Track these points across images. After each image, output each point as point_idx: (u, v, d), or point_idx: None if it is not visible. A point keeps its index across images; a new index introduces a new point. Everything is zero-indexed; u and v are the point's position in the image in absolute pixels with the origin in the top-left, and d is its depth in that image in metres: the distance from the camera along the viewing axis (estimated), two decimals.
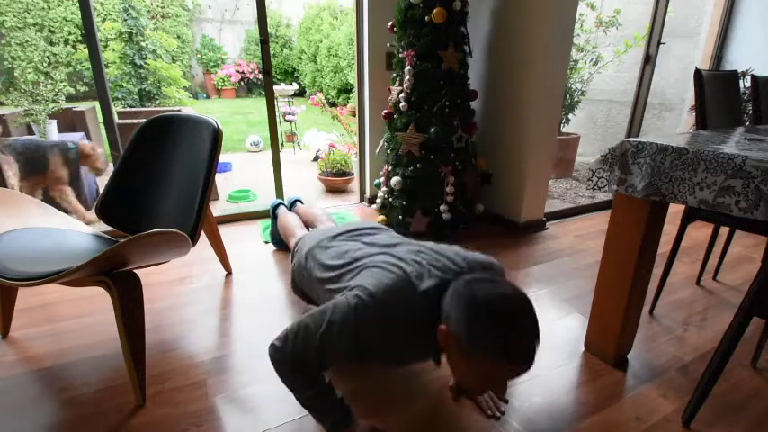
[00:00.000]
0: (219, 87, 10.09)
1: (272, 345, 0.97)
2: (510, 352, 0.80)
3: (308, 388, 0.98)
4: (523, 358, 0.81)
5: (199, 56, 9.91)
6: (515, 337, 0.80)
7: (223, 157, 1.41)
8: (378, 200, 2.60)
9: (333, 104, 7.77)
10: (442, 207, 2.30)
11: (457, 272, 1.01)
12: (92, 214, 2.20)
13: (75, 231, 1.49)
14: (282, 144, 5.21)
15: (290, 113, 5.15)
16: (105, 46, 6.35)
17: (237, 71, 10.01)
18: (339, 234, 1.35)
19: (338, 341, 0.93)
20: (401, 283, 0.96)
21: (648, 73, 2.97)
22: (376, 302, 0.93)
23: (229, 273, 1.97)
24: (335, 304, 0.95)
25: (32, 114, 2.81)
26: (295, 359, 0.95)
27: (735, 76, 1.97)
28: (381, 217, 2.50)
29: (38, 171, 2.33)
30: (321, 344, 0.93)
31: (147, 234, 1.02)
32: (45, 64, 7.04)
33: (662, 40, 2.91)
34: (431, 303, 0.94)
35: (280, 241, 2.17)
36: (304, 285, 1.40)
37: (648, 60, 2.94)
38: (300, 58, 10.33)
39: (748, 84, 2.24)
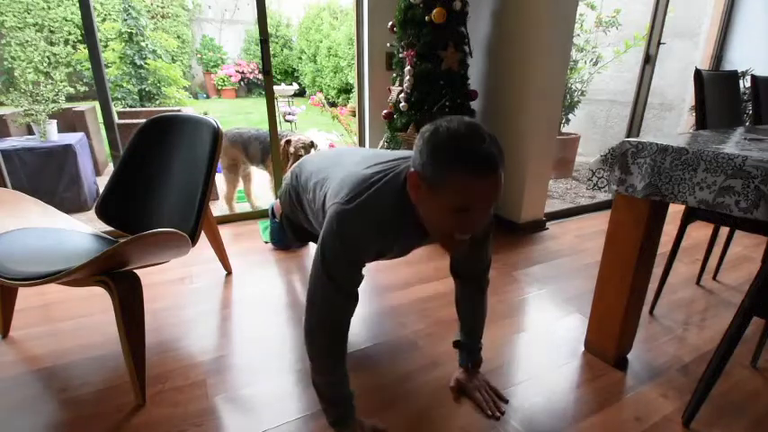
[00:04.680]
0: (219, 87, 10.09)
1: (303, 331, 1.01)
2: (472, 159, 0.79)
3: (333, 371, 1.01)
4: (485, 164, 0.79)
5: (199, 56, 9.91)
6: (476, 146, 0.80)
7: None
8: None
9: (333, 104, 7.77)
10: None
11: None
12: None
13: (75, 231, 1.49)
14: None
15: (290, 113, 5.16)
16: (105, 46, 6.35)
17: (237, 71, 10.01)
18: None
19: (343, 265, 0.95)
20: (366, 180, 0.97)
21: (648, 73, 2.97)
22: (351, 209, 0.94)
23: (229, 273, 1.97)
24: (320, 241, 0.96)
25: (32, 114, 2.81)
26: (323, 318, 0.98)
27: (735, 76, 1.97)
28: None
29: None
30: (331, 280, 0.94)
31: (147, 234, 1.02)
32: (45, 64, 7.04)
33: (662, 40, 2.91)
34: (403, 186, 0.95)
35: (280, 241, 2.17)
36: (293, 213, 1.51)
37: (648, 60, 2.94)
38: (300, 58, 10.34)
39: (748, 84, 2.24)
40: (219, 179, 2.95)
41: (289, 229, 1.74)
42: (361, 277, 0.99)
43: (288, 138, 2.69)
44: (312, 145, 2.75)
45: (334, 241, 0.93)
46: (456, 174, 0.80)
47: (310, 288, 0.99)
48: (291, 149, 2.64)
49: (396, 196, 0.95)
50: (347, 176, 1.02)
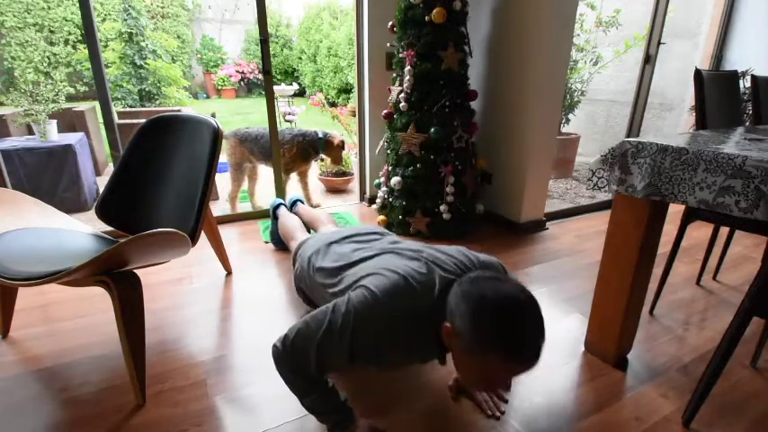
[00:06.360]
0: (219, 87, 10.09)
1: (273, 345, 0.97)
2: (516, 350, 0.80)
3: (310, 391, 0.97)
4: (529, 356, 0.80)
5: (199, 56, 9.91)
6: (521, 335, 0.80)
7: (222, 157, 1.46)
8: (378, 200, 2.60)
9: (333, 104, 7.76)
10: (442, 207, 2.30)
11: (461, 270, 1.01)
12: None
13: (76, 231, 1.49)
14: None
15: (289, 113, 5.16)
16: (105, 46, 6.35)
17: (237, 71, 10.01)
18: (340, 239, 1.35)
19: (338, 341, 0.91)
20: (403, 282, 0.95)
21: (648, 73, 2.97)
22: (377, 301, 0.92)
23: (229, 273, 1.97)
24: (336, 303, 0.95)
25: (32, 114, 2.81)
26: (294, 360, 0.94)
27: (735, 76, 1.97)
28: (381, 217, 2.50)
29: (308, 159, 2.87)
30: (320, 343, 0.91)
31: (147, 234, 1.02)
32: (45, 64, 7.04)
33: (662, 40, 2.91)
34: (434, 302, 0.93)
35: (280, 241, 2.17)
36: (307, 289, 1.40)
37: (648, 60, 2.94)
38: (300, 58, 10.34)
39: (748, 84, 2.24)
40: (220, 179, 2.96)
41: (298, 291, 1.64)
42: (341, 369, 0.96)
43: (339, 140, 2.88)
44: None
45: (345, 320, 0.91)
46: (495, 355, 0.80)
47: (299, 330, 0.95)
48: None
49: (423, 318, 0.93)
50: (385, 270, 1.00)
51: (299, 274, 1.42)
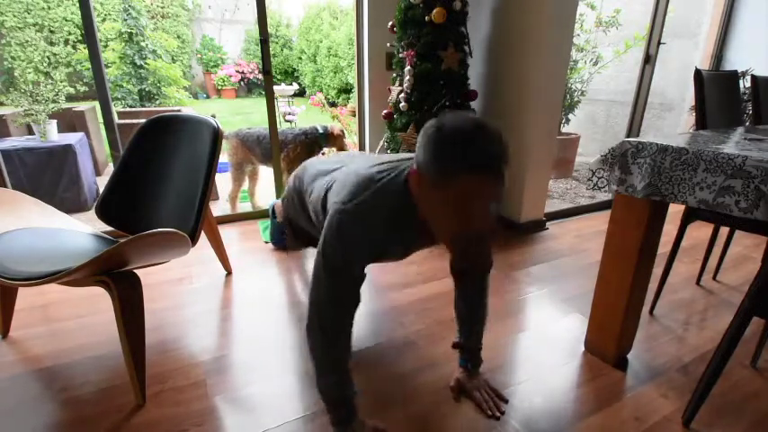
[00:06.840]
0: (219, 87, 10.09)
1: (305, 330, 1.00)
2: (478, 160, 0.78)
3: (335, 368, 1.00)
4: (493, 168, 0.79)
5: (199, 56, 9.91)
6: (482, 148, 0.79)
7: (223, 157, 1.48)
8: None
9: (333, 104, 7.76)
10: None
11: None
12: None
13: (75, 231, 1.49)
14: None
15: (290, 113, 5.16)
16: (105, 46, 6.35)
17: (237, 71, 10.01)
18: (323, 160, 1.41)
19: (343, 266, 0.94)
20: (364, 180, 0.97)
21: (648, 73, 2.97)
22: (351, 210, 0.94)
23: (229, 273, 1.97)
24: (321, 242, 0.97)
25: (32, 114, 2.81)
26: (324, 318, 0.97)
27: (735, 76, 1.97)
28: None
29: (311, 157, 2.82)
30: (332, 281, 0.95)
31: (147, 234, 1.02)
32: (45, 64, 7.04)
33: (662, 40, 2.91)
34: (403, 184, 0.95)
35: (279, 241, 2.17)
36: (293, 212, 1.49)
37: (648, 60, 2.94)
38: (300, 58, 10.34)
39: (748, 84, 2.24)
40: (220, 179, 2.96)
41: (290, 233, 1.74)
42: (360, 277, 0.98)
43: (338, 130, 2.91)
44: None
45: (333, 241, 0.94)
46: (458, 173, 0.79)
47: (311, 288, 0.99)
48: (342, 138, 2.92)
49: (396, 196, 0.95)
50: (349, 176, 1.02)
51: (287, 194, 1.52)
